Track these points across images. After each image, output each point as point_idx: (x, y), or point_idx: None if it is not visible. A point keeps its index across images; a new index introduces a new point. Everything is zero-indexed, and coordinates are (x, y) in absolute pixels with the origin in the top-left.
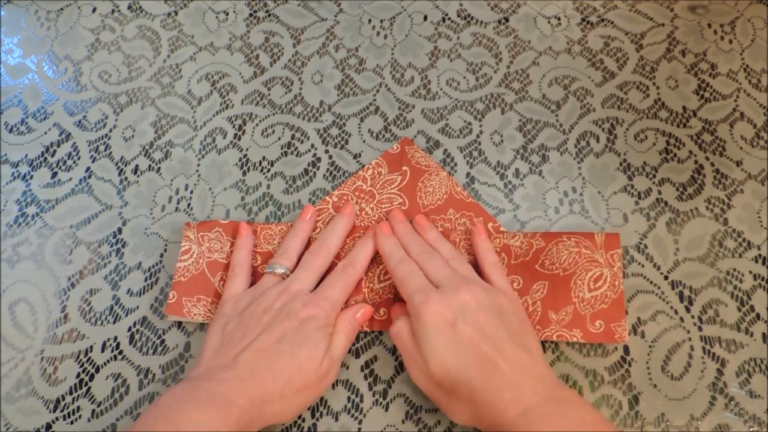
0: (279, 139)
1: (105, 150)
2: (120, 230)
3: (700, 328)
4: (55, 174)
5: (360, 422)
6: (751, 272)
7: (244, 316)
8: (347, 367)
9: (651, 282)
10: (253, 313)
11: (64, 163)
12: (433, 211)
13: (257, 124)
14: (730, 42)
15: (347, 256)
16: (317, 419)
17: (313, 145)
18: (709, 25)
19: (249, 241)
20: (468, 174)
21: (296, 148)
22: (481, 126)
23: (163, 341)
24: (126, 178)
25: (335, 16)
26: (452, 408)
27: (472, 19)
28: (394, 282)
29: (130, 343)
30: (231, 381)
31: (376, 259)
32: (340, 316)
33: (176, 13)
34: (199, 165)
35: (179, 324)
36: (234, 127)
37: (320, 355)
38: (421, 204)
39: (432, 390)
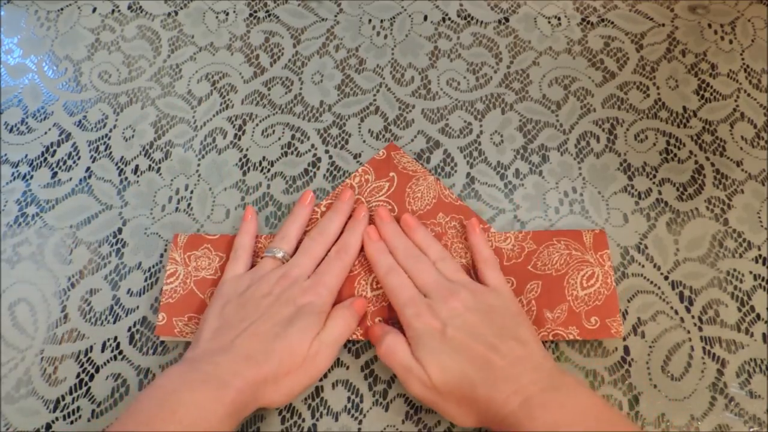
0: (279, 139)
1: (105, 150)
2: (120, 230)
3: (700, 329)
4: (55, 174)
5: (360, 422)
6: (751, 272)
7: (243, 299)
8: (347, 368)
9: (651, 282)
10: (252, 296)
11: (64, 163)
12: (422, 216)
13: (257, 124)
14: (731, 42)
15: (338, 242)
16: (317, 419)
17: (313, 145)
18: (710, 26)
19: (253, 226)
20: (468, 174)
21: (296, 148)
22: (481, 126)
23: (163, 341)
24: (126, 178)
25: (335, 16)
26: (457, 412)
27: (472, 19)
28: (386, 292)
29: (130, 343)
30: (226, 364)
31: (366, 266)
32: (337, 306)
33: (176, 13)
34: (199, 165)
35: None
36: (234, 127)
37: (310, 336)
38: (410, 209)
39: (434, 398)
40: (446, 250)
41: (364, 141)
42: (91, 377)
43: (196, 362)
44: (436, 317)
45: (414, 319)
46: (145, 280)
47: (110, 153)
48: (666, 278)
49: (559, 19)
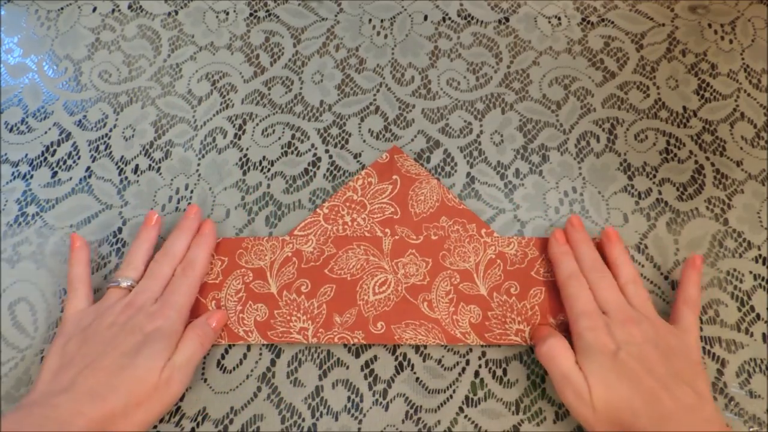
0: (279, 138)
1: (105, 149)
2: (120, 230)
3: (700, 329)
4: (55, 173)
5: (360, 422)
6: (751, 272)
7: (85, 334)
8: (347, 367)
9: (651, 282)
10: (96, 329)
11: (64, 162)
12: (425, 219)
13: (257, 124)
14: (731, 42)
15: (185, 258)
16: (317, 419)
17: (313, 145)
18: (710, 25)
19: (83, 254)
20: (468, 174)
21: (296, 148)
22: (481, 126)
23: None
24: (126, 178)
25: (335, 15)
26: None
27: (472, 18)
28: (563, 297)
29: None
30: (67, 404)
31: (368, 270)
32: (191, 323)
33: (176, 12)
34: (199, 165)
35: None
36: (234, 126)
37: (160, 362)
38: (413, 212)
39: (587, 413)
40: (639, 276)
41: (364, 141)
42: None
43: (33, 407)
44: (611, 337)
45: (587, 332)
46: None
47: (110, 152)
48: (666, 278)
49: (559, 18)
